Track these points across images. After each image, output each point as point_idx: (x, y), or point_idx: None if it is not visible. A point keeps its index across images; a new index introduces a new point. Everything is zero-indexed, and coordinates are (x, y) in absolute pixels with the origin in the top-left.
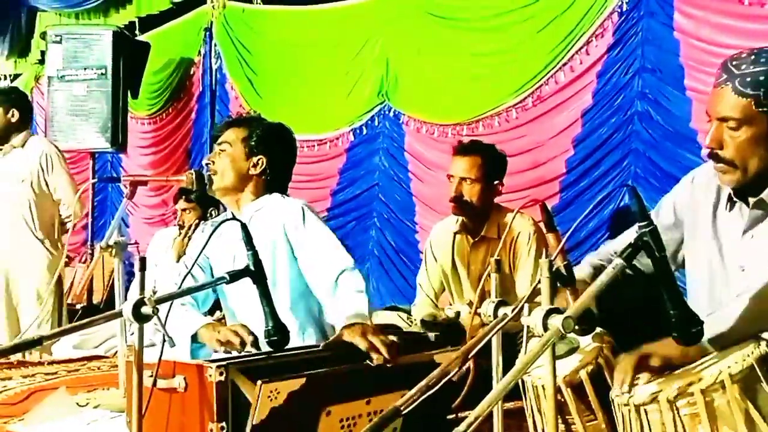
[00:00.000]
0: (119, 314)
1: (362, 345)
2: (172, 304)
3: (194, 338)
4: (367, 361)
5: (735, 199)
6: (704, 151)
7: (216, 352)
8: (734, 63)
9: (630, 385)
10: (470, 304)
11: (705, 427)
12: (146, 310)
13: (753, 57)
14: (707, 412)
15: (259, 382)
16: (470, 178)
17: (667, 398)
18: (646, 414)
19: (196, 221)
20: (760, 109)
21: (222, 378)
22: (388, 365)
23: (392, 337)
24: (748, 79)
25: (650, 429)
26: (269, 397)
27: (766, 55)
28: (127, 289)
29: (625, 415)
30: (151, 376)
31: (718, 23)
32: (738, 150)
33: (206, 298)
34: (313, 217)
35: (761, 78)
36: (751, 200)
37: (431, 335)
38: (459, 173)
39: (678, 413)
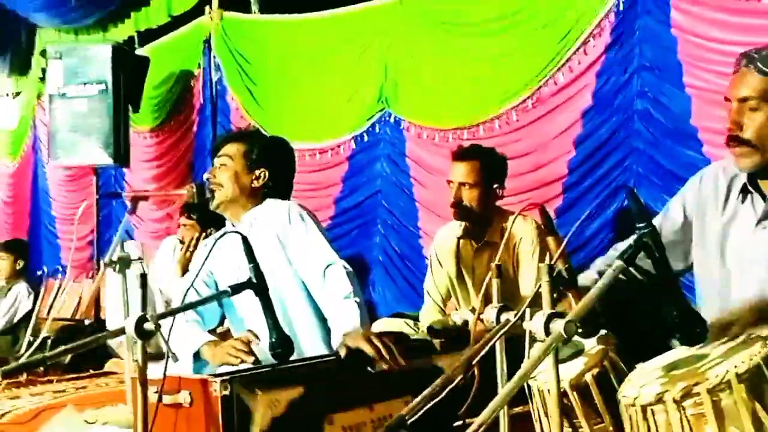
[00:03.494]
0: (123, 331)
1: (368, 350)
2: (174, 318)
3: (197, 356)
4: (369, 368)
5: (750, 189)
6: (706, 148)
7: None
8: (753, 51)
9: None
10: (473, 310)
11: (712, 427)
12: (148, 326)
13: None
14: (714, 411)
15: (258, 392)
16: (468, 182)
17: (673, 398)
18: (653, 414)
19: (196, 237)
20: None
21: (227, 392)
22: (393, 370)
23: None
24: None
25: (657, 430)
26: (269, 406)
27: None
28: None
29: (632, 417)
30: (156, 392)
31: (715, 19)
32: (758, 130)
33: (213, 315)
34: (298, 215)
35: None
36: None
37: (437, 342)
38: (458, 178)
39: (684, 413)
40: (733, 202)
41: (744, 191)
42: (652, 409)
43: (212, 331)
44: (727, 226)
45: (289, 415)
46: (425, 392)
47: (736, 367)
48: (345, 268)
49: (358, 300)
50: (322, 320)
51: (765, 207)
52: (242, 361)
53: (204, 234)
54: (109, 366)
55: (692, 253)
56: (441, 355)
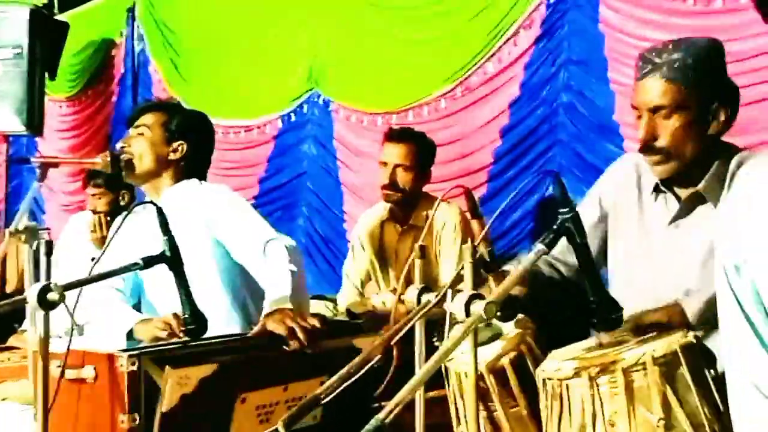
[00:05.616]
0: (25, 300)
1: (281, 331)
2: (81, 292)
3: (129, 335)
4: (284, 346)
5: (662, 188)
6: (626, 143)
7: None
8: (654, 54)
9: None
10: (394, 290)
11: (622, 406)
12: (52, 296)
13: (672, 45)
14: (626, 391)
15: (166, 368)
16: (405, 164)
17: (589, 374)
18: (568, 389)
19: (108, 202)
20: (689, 94)
21: (134, 367)
22: (306, 351)
23: (315, 322)
24: (676, 65)
25: (570, 404)
26: (179, 383)
27: (684, 42)
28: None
29: (548, 391)
30: (59, 366)
31: (642, 17)
32: (673, 138)
33: (134, 292)
34: (230, 195)
35: (688, 61)
36: (681, 192)
37: (360, 323)
38: (394, 160)
39: (598, 390)
40: (646, 199)
41: (656, 190)
42: (567, 384)
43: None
44: (640, 222)
45: (199, 393)
46: (341, 371)
47: (653, 350)
48: (285, 241)
49: (293, 269)
50: (242, 309)
51: (678, 209)
52: (171, 335)
53: (118, 198)
54: (11, 341)
55: (608, 246)
56: (359, 336)
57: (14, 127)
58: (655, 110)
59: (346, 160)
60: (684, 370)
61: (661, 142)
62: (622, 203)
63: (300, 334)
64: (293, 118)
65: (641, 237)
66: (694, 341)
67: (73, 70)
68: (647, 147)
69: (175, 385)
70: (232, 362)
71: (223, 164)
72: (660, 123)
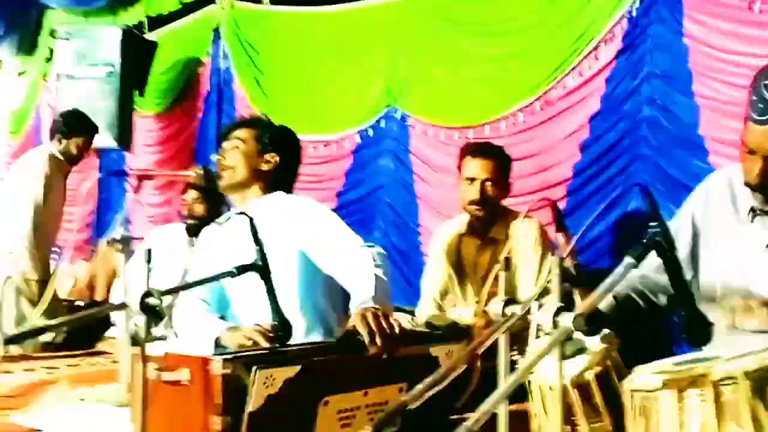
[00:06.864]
0: (124, 305)
1: (363, 330)
2: (176, 297)
3: (216, 342)
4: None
5: (758, 212)
6: (712, 158)
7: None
8: None
9: None
10: (477, 303)
11: (710, 420)
12: (153, 301)
13: None
14: (715, 405)
15: (254, 368)
16: (494, 179)
17: (678, 387)
18: (656, 402)
19: (205, 213)
20: None
21: (227, 371)
22: (384, 357)
23: (396, 328)
24: None
25: (658, 417)
26: (264, 383)
27: None
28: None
29: (635, 403)
30: (156, 368)
31: (728, 30)
32: None
33: (220, 303)
34: (320, 208)
35: None
36: None
37: (439, 333)
38: (482, 175)
39: (686, 403)
40: (742, 219)
41: (753, 211)
42: (655, 396)
43: None
44: (736, 243)
45: (284, 394)
46: (427, 380)
47: (745, 365)
48: (374, 249)
49: (378, 273)
50: (322, 321)
51: None
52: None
53: (217, 207)
54: (100, 346)
55: (700, 264)
56: (436, 344)
57: (106, 142)
58: None
59: (422, 173)
60: None
61: None
62: (717, 222)
63: (378, 339)
64: (371, 133)
65: (737, 258)
66: None
67: (161, 87)
68: (757, 187)
69: (261, 385)
70: (316, 364)
71: (302, 178)
72: None
